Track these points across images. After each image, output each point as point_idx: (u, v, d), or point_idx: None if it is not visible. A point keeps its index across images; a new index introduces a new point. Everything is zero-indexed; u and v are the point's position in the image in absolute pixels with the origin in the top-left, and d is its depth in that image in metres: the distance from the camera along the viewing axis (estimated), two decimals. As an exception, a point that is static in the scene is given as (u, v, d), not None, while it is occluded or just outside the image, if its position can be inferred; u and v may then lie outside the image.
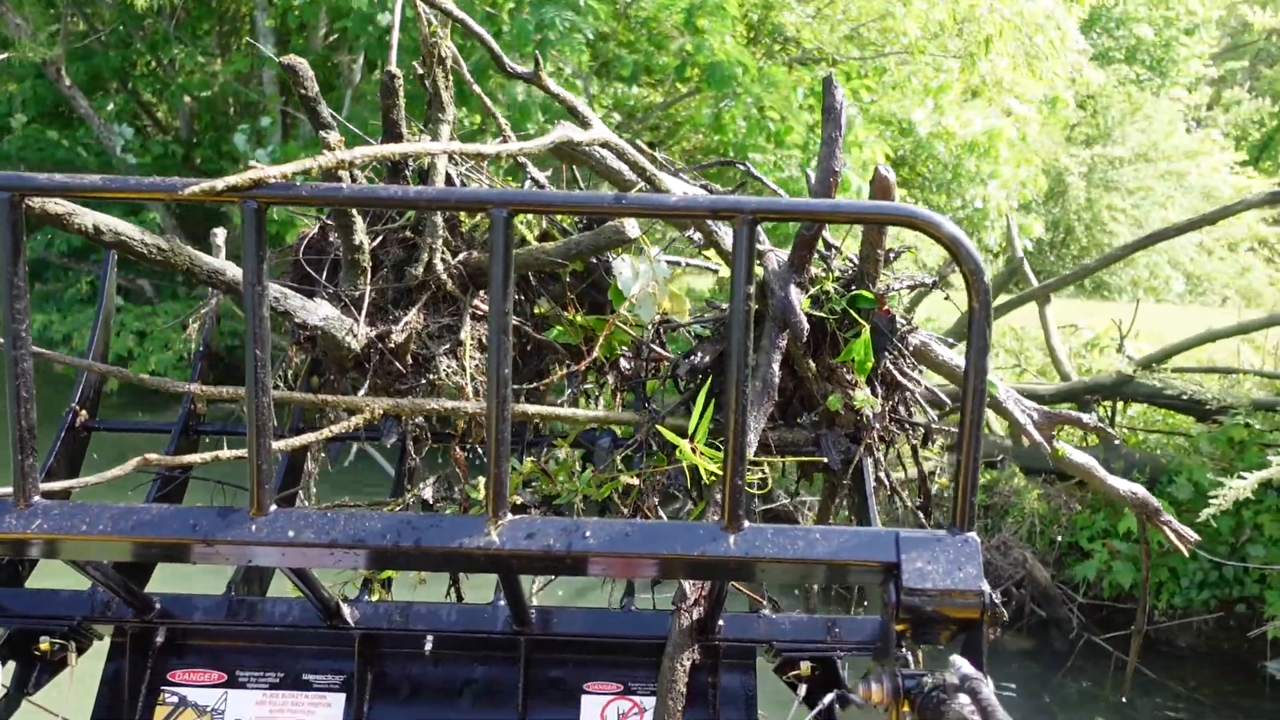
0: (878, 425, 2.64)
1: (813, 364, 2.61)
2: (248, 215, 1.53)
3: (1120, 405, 10.65)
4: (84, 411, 2.56)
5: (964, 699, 1.53)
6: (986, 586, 1.72)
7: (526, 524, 1.73)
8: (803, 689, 2.26)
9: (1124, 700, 8.12)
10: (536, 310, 2.66)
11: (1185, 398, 9.35)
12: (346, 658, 2.27)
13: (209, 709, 2.27)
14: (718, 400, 2.36)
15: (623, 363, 2.84)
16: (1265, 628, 8.13)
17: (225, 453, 2.04)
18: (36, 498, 1.67)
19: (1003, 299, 11.12)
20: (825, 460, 2.64)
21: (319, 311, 2.14)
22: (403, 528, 1.72)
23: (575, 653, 2.33)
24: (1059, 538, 9.48)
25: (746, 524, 1.74)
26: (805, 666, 2.23)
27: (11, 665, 2.22)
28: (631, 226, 2.26)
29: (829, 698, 2.15)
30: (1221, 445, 8.72)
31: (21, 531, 1.66)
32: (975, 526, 1.76)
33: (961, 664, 1.58)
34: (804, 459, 2.62)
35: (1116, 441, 9.26)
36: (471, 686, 2.32)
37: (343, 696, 2.29)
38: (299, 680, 2.31)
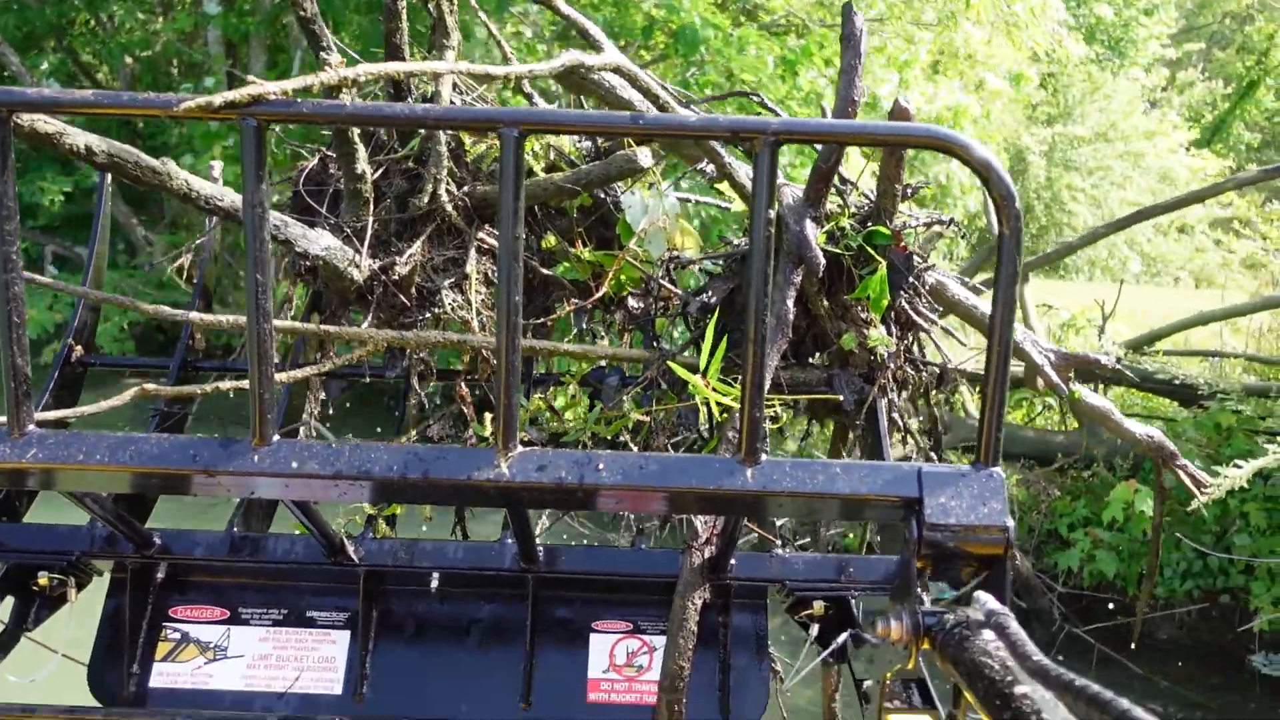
0: (892, 365, 2.59)
1: (827, 302, 2.55)
2: (247, 133, 1.46)
3: (1101, 389, 9.95)
4: (79, 347, 2.50)
5: (988, 635, 1.48)
6: (1011, 522, 1.67)
7: (537, 456, 1.68)
8: (815, 629, 2.22)
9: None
10: (543, 245, 2.59)
11: (1177, 382, 9.04)
12: (351, 595, 2.23)
13: (211, 645, 2.24)
14: (730, 337, 2.30)
15: (631, 301, 2.77)
16: (1252, 623, 7.89)
17: (226, 384, 1.99)
18: (31, 426, 1.61)
19: (981, 277, 10.83)
20: (838, 401, 2.59)
21: (320, 241, 2.07)
22: (410, 459, 1.67)
23: (584, 591, 2.28)
24: (1038, 525, 9.07)
25: (764, 457, 1.69)
26: (818, 606, 2.19)
27: (10, 600, 2.18)
28: (644, 156, 2.19)
29: (843, 637, 2.11)
30: (1208, 431, 8.41)
31: (16, 461, 1.61)
32: (1000, 461, 1.71)
33: (986, 599, 1.53)
34: (817, 395, 2.56)
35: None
36: (478, 625, 2.28)
37: (347, 634, 2.25)
38: (303, 617, 2.27)
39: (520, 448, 1.67)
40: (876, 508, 1.71)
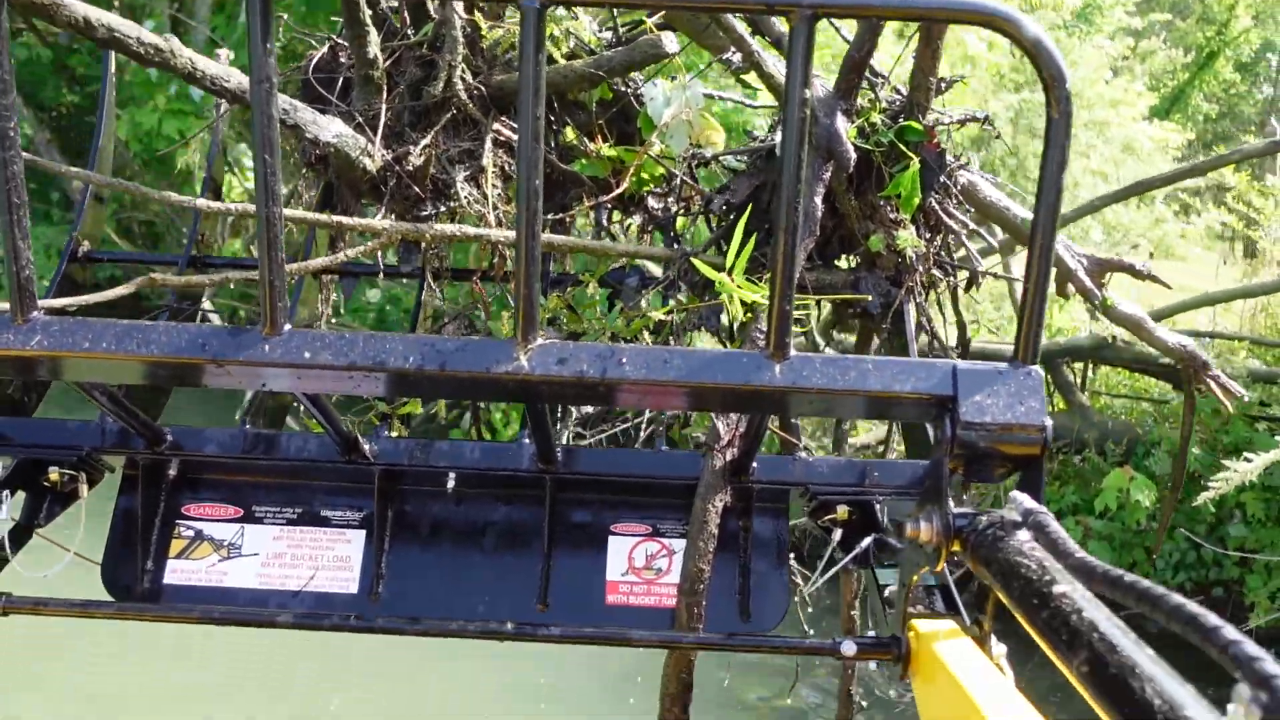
0: (921, 268, 2.51)
1: (855, 201, 2.46)
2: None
3: (1090, 368, 9.48)
4: (85, 241, 2.44)
5: (1023, 535, 1.43)
6: (1049, 422, 1.61)
7: (558, 348, 1.61)
8: (838, 534, 2.17)
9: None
10: (561, 140, 2.50)
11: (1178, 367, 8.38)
12: (366, 494, 2.19)
13: (225, 543, 2.21)
14: (755, 235, 2.23)
15: (650, 201, 2.69)
16: (1247, 623, 7.44)
17: (235, 274, 1.93)
18: (36, 313, 1.56)
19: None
20: (864, 304, 2.52)
21: (331, 127, 1.99)
22: (426, 350, 1.61)
23: (603, 493, 2.24)
24: (1024, 512, 8.59)
25: (793, 352, 1.62)
26: (842, 511, 2.14)
27: (21, 496, 2.15)
28: (669, 41, 2.08)
29: (866, 541, 2.07)
30: (1205, 417, 7.71)
31: (20, 348, 1.55)
32: (1038, 360, 1.64)
33: (1022, 499, 1.47)
34: (844, 296, 2.49)
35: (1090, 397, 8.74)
36: (495, 526, 2.24)
37: (362, 533, 2.22)
38: (317, 516, 2.24)
39: (540, 340, 1.61)
40: (909, 406, 1.65)
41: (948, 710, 1.64)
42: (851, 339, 3.08)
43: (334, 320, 2.42)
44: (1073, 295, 2.80)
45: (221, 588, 2.18)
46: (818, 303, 2.63)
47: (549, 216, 2.40)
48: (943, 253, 2.60)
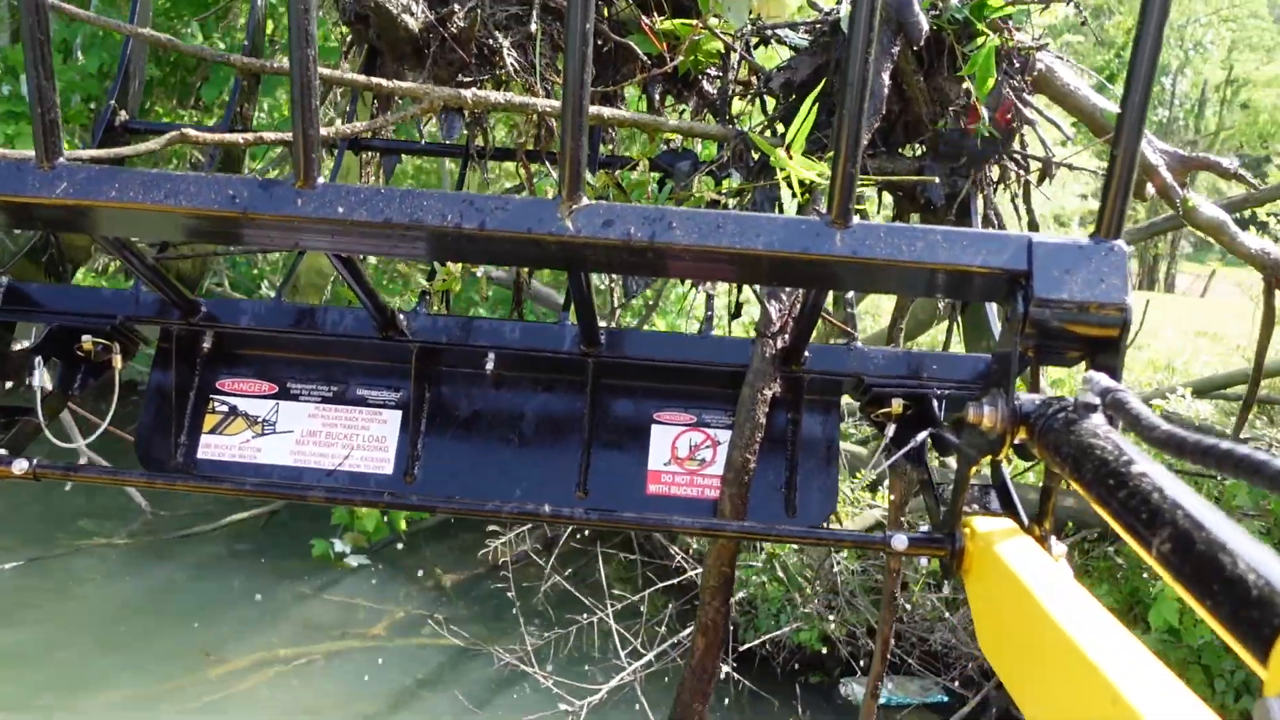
0: (991, 157, 2.36)
1: (924, 83, 2.32)
2: None
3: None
4: (123, 110, 2.37)
5: (1097, 418, 1.32)
6: (1131, 300, 1.49)
7: (605, 209, 1.52)
8: (891, 429, 2.07)
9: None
10: (614, 12, 2.37)
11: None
12: (403, 373, 2.13)
13: (260, 419, 2.17)
14: (816, 113, 2.10)
15: (705, 84, 2.56)
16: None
17: (270, 135, 1.84)
18: (62, 160, 1.49)
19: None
20: (927, 196, 2.39)
21: (373, -19, 1.88)
22: (466, 208, 1.52)
23: (647, 379, 2.16)
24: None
25: (856, 220, 1.51)
26: (896, 405, 2.03)
27: (55, 363, 2.11)
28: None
29: (922, 435, 1.96)
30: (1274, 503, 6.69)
31: (44, 196, 1.49)
32: (1122, 235, 1.52)
33: (1099, 377, 1.35)
34: (907, 178, 2.35)
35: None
36: (534, 410, 2.17)
37: (399, 414, 2.17)
38: (353, 395, 2.18)
39: (586, 201, 1.51)
40: (979, 282, 1.53)
41: (1005, 608, 1.55)
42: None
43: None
44: (1151, 196, 2.65)
45: (255, 464, 2.14)
46: (879, 193, 2.50)
47: (598, 89, 2.28)
48: (1014, 142, 2.45)
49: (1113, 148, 1.47)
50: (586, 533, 8.29)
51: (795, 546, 7.07)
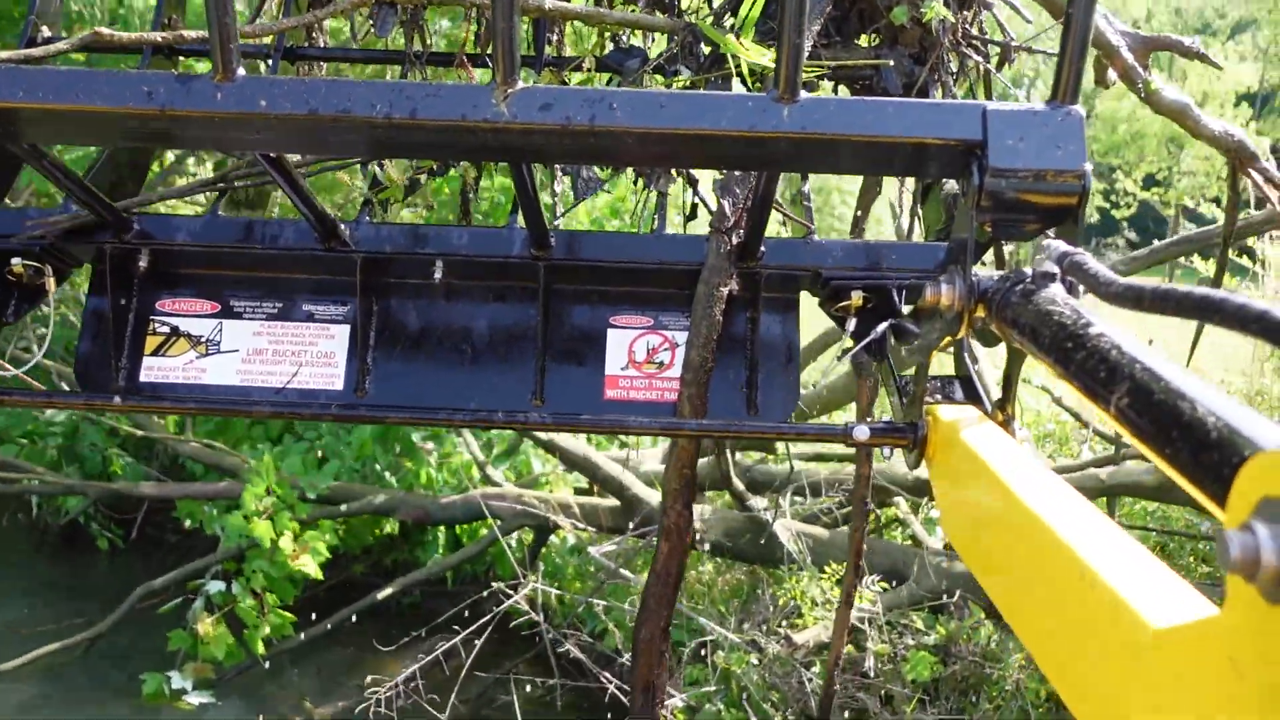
0: (947, 41, 2.29)
1: (876, -34, 2.23)
2: None
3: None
4: (45, 27, 2.25)
5: (1055, 288, 1.28)
6: (1089, 167, 1.44)
7: (542, 92, 1.45)
8: (852, 323, 2.03)
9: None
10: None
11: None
12: (349, 286, 2.05)
13: (203, 339, 2.09)
14: (766, 7, 2.02)
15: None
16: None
17: (189, 33, 1.74)
18: None
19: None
20: (883, 84, 2.31)
21: None
22: (396, 97, 1.44)
23: (601, 282, 2.10)
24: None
25: (804, 94, 1.45)
26: (856, 297, 1.99)
27: None
28: None
29: (883, 325, 1.92)
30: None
31: None
32: (1079, 99, 1.47)
33: (1055, 244, 1.31)
34: (860, 62, 2.28)
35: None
36: (486, 318, 2.11)
37: (346, 328, 2.10)
38: (299, 310, 2.11)
39: (522, 85, 1.44)
40: (935, 154, 1.48)
41: (970, 492, 1.52)
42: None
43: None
44: (1114, 84, 2.58)
45: (200, 384, 2.07)
46: (835, 86, 2.43)
47: None
48: (973, 27, 2.38)
49: (1067, 7, 1.41)
50: (493, 644, 6.48)
51: (755, 662, 5.91)
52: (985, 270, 1.52)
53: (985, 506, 1.42)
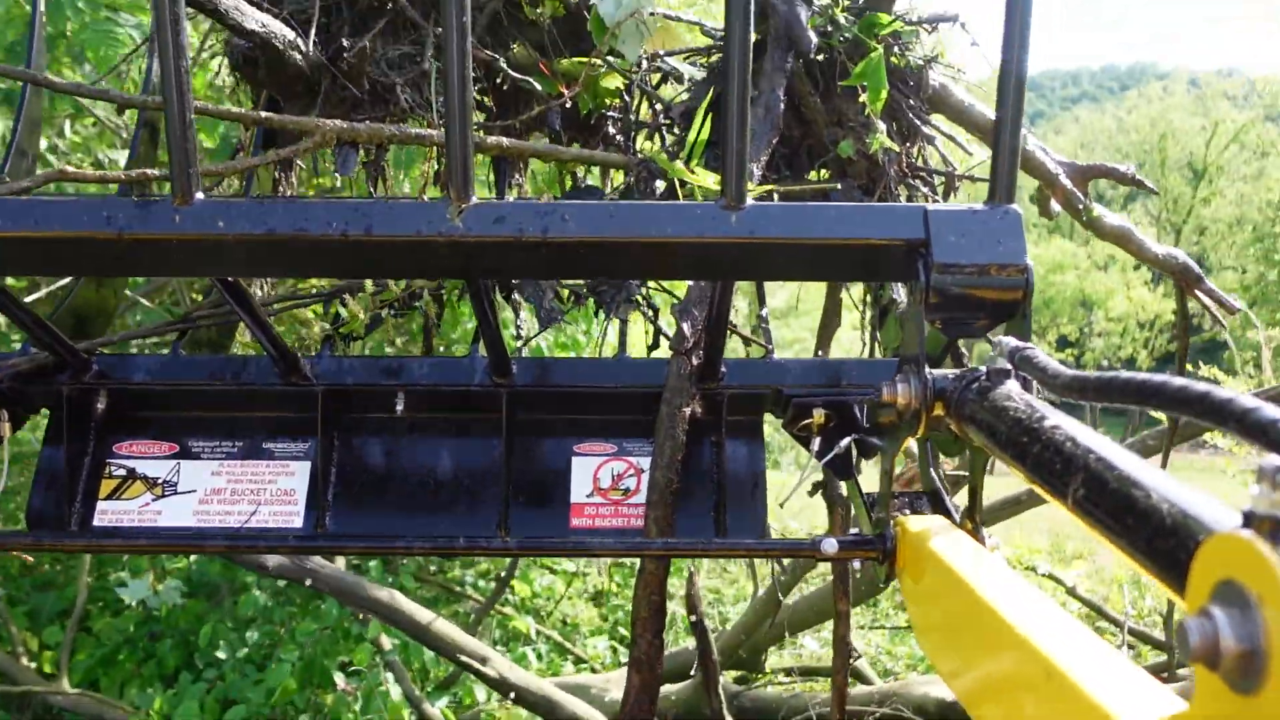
0: (892, 172, 2.38)
1: (821, 105, 2.34)
2: None
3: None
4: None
5: (1011, 385, 1.27)
6: (1030, 262, 1.48)
7: (494, 207, 1.48)
8: (816, 443, 2.02)
9: None
10: (513, 56, 2.37)
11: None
12: (309, 421, 2.03)
13: (159, 481, 2.05)
14: (713, 123, 2.10)
15: (609, 128, 2.57)
16: None
17: (153, 171, 1.78)
18: None
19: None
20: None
21: (257, 16, 1.86)
22: (351, 214, 1.47)
23: (563, 409, 2.09)
24: None
25: (750, 201, 1.49)
26: (818, 415, 1.99)
27: None
28: (613, -84, 1.97)
29: (845, 441, 1.92)
30: None
31: None
32: (1015, 199, 1.52)
33: (1007, 340, 1.33)
34: (815, 187, 2.35)
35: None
36: (449, 450, 2.09)
37: (307, 464, 2.07)
38: (258, 448, 2.08)
39: (476, 200, 1.48)
40: (879, 256, 1.51)
41: (945, 603, 1.48)
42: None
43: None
44: (1058, 215, 2.68)
45: (154, 527, 2.02)
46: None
47: (499, 124, 2.27)
48: (918, 160, 2.48)
49: (997, 110, 1.47)
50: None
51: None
52: (940, 370, 1.53)
53: (954, 611, 1.39)
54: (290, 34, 1.92)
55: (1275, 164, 33.50)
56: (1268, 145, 34.29)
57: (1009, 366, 1.27)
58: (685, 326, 1.98)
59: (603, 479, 2.08)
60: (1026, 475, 1.08)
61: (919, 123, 2.41)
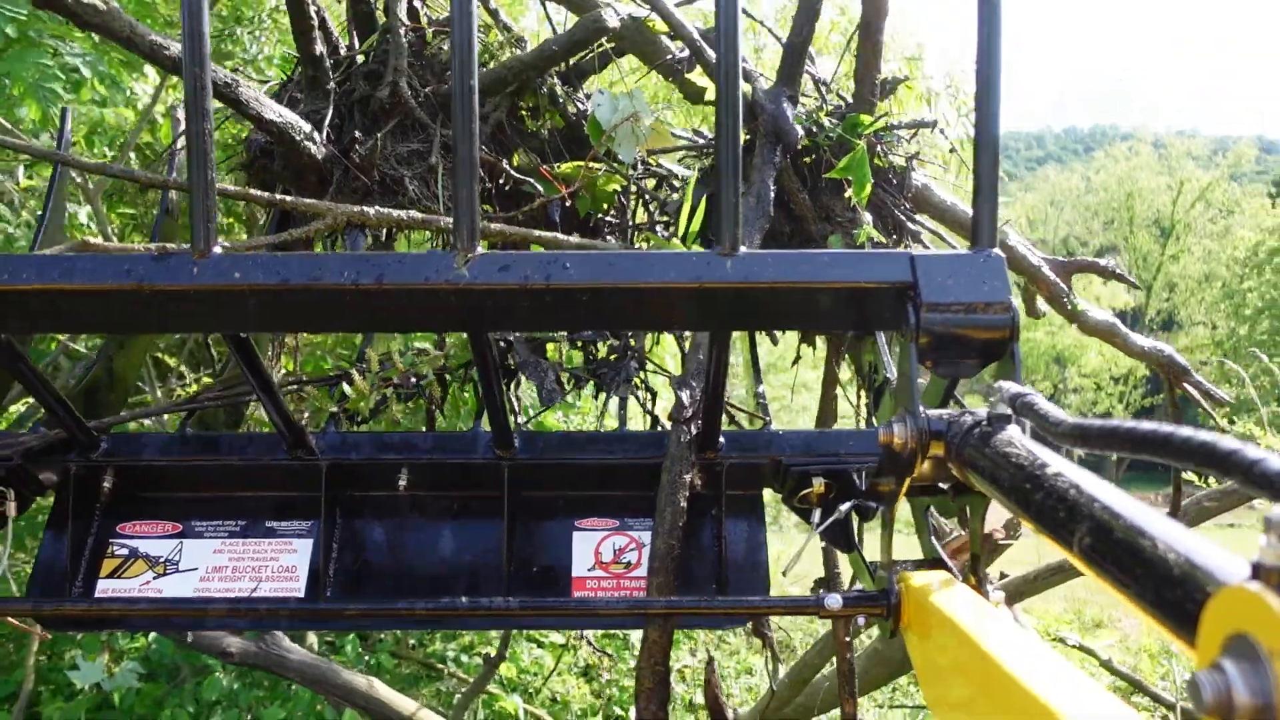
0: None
1: (809, 201, 2.45)
2: None
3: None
4: None
5: (1011, 430, 1.28)
6: (1016, 301, 1.54)
7: (500, 256, 1.55)
8: (817, 514, 2.03)
9: None
10: (513, 162, 2.50)
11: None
12: (313, 502, 2.04)
13: (162, 559, 2.05)
14: (707, 208, 2.20)
15: (607, 234, 2.68)
16: None
17: (172, 245, 1.86)
18: None
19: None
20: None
21: (274, 106, 1.98)
22: (362, 265, 1.54)
23: (565, 484, 2.10)
24: None
25: (744, 248, 1.57)
26: (818, 484, 2.01)
27: None
28: (611, 16, 2.12)
29: (845, 506, 1.93)
30: None
31: None
32: (996, 243, 1.59)
33: (1008, 385, 1.34)
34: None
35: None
36: (451, 525, 2.09)
37: (309, 542, 2.07)
38: (261, 527, 2.09)
39: (481, 250, 1.55)
40: (870, 299, 1.57)
41: (950, 657, 1.48)
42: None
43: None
44: (1045, 314, 2.76)
45: (155, 599, 2.01)
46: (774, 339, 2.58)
47: (503, 217, 2.37)
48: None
49: (975, 160, 1.56)
50: None
51: None
52: (936, 411, 1.56)
53: (960, 666, 1.37)
54: (307, 126, 2.04)
55: (1240, 221, 34.57)
56: (1232, 204, 35.40)
57: (1009, 412, 1.29)
58: (684, 395, 2.02)
59: (604, 553, 2.08)
60: (1032, 522, 1.07)
61: (904, 218, 2.52)
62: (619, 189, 2.52)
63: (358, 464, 2.04)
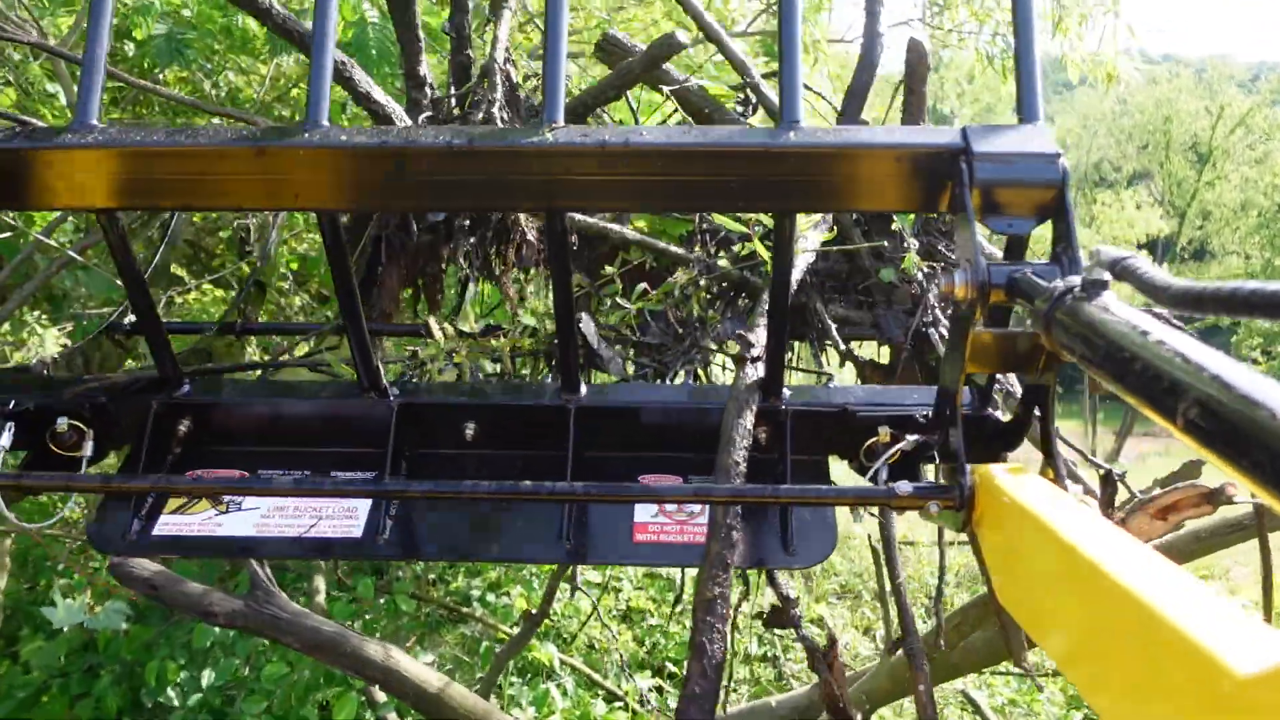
0: (932, 295, 2.57)
1: (863, 239, 2.61)
2: None
3: None
4: None
5: (1107, 296, 1.19)
6: (1065, 161, 1.63)
7: (581, 129, 1.72)
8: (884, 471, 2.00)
9: None
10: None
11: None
12: (380, 441, 2.07)
13: (226, 499, 2.07)
14: None
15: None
16: None
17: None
18: (95, 120, 1.71)
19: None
20: (887, 336, 2.56)
21: (382, 91, 2.23)
22: (455, 132, 1.72)
23: (629, 435, 2.11)
24: None
25: (804, 121, 1.71)
26: (884, 432, 1.99)
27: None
28: (683, 35, 2.38)
29: (912, 437, 1.92)
30: None
31: (74, 146, 1.68)
32: (1041, 116, 1.71)
33: (1106, 250, 1.28)
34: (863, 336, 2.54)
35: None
36: (515, 471, 2.10)
37: (373, 487, 2.08)
38: (327, 473, 2.11)
39: (563, 123, 1.71)
40: (926, 163, 1.67)
41: (1030, 554, 1.43)
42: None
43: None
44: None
45: (212, 536, 2.01)
46: (842, 358, 2.66)
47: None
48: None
49: (1016, 39, 1.73)
50: None
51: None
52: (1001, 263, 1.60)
53: (1040, 561, 1.32)
54: (407, 118, 2.27)
55: (1280, 148, 32.50)
56: (1274, 129, 33.28)
57: (1108, 277, 1.23)
58: (750, 336, 2.07)
59: (668, 504, 2.06)
60: (1129, 394, 1.01)
61: (947, 251, 2.65)
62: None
63: (427, 406, 2.09)
